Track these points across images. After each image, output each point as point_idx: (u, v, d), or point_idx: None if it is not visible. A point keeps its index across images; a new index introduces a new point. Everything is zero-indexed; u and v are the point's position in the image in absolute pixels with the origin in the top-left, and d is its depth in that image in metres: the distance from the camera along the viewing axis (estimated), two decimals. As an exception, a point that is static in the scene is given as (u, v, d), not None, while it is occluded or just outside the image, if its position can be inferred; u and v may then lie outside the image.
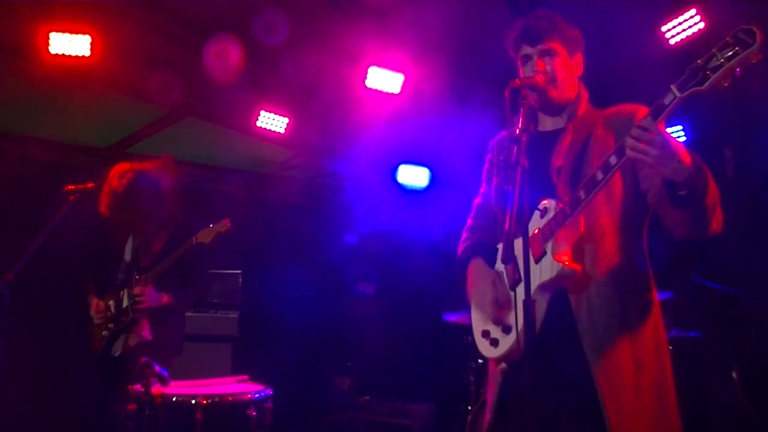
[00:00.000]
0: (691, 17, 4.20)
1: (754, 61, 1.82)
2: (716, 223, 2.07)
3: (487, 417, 2.36)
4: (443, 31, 4.41)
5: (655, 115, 1.96)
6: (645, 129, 1.93)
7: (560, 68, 2.35)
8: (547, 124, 2.47)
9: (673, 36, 4.29)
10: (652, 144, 1.92)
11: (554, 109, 2.42)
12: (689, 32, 4.23)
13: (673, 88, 1.92)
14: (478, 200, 2.73)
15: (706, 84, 1.86)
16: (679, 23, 4.25)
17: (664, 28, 4.30)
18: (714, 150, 5.19)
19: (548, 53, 2.35)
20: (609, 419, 2.08)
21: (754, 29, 1.80)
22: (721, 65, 1.84)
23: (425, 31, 4.48)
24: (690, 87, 1.89)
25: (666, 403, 2.21)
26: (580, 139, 2.32)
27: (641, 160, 1.97)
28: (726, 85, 1.85)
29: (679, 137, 5.10)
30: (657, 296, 2.31)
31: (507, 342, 2.27)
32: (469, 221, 2.72)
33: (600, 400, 2.10)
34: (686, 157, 1.94)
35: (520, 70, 2.43)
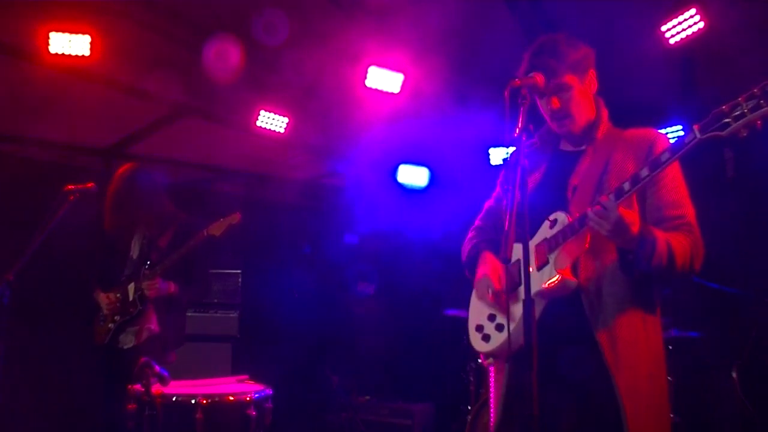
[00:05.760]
0: (691, 17, 4.21)
1: None
2: (680, 271, 2.19)
3: (493, 418, 2.39)
4: (443, 31, 4.41)
5: (673, 151, 2.04)
6: (605, 208, 2.08)
7: (575, 100, 2.38)
8: (569, 145, 2.52)
9: (672, 36, 4.30)
10: (607, 220, 2.08)
11: (576, 138, 2.47)
12: (689, 32, 4.23)
13: (695, 129, 2.00)
14: (489, 202, 2.76)
15: (727, 131, 1.95)
16: (679, 23, 4.25)
17: (663, 28, 4.30)
18: (714, 150, 5.18)
19: (561, 88, 2.36)
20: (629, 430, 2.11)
21: None
22: (743, 115, 1.91)
23: (425, 31, 4.48)
24: (711, 131, 1.97)
25: (664, 416, 2.27)
26: (600, 162, 2.35)
27: (598, 231, 2.12)
28: (745, 134, 1.94)
29: (678, 136, 5.10)
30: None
31: (498, 339, 2.34)
32: (477, 222, 2.75)
33: (622, 413, 2.12)
34: (635, 231, 2.10)
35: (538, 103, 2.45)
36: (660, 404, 2.24)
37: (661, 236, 2.15)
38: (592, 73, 2.44)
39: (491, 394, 2.47)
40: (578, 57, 2.38)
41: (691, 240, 2.24)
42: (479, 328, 2.45)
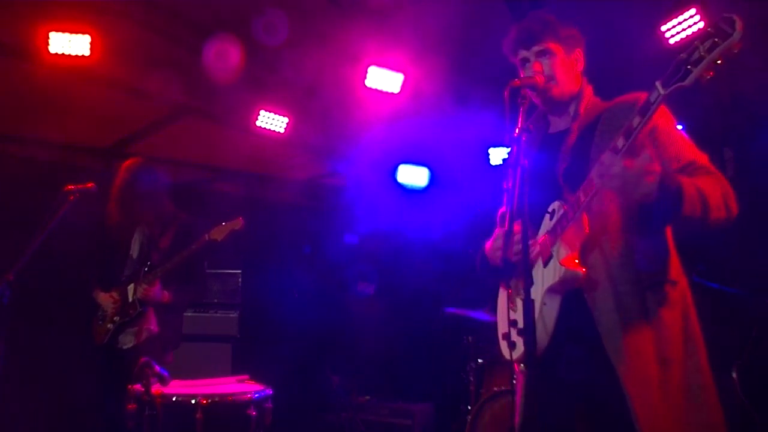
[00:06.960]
0: (691, 17, 4.21)
1: (735, 51, 1.78)
2: (717, 214, 2.06)
3: (517, 419, 2.37)
4: (443, 31, 4.42)
5: (642, 112, 1.96)
6: (606, 163, 1.98)
7: (558, 66, 2.36)
8: (556, 125, 2.48)
9: (673, 36, 4.30)
10: (614, 178, 1.98)
11: (559, 106, 2.42)
12: (689, 32, 4.23)
13: (658, 85, 1.92)
14: (502, 209, 2.72)
15: (689, 78, 1.85)
16: (679, 23, 4.25)
17: (663, 28, 4.31)
18: (714, 150, 5.18)
19: (544, 54, 2.36)
20: (638, 419, 2.04)
21: (734, 18, 1.77)
22: (701, 58, 1.81)
23: (425, 31, 4.48)
24: (673, 83, 1.88)
25: (703, 400, 2.15)
26: (586, 136, 2.31)
27: (608, 189, 2.03)
28: (709, 77, 1.83)
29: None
30: (687, 287, 2.26)
31: (522, 345, 2.26)
32: (497, 230, 2.72)
33: (627, 400, 2.05)
34: (650, 180, 1.96)
35: (521, 73, 2.42)
36: (682, 389, 2.11)
37: (686, 180, 2.02)
38: (579, 52, 2.42)
39: (517, 399, 2.43)
40: (565, 33, 2.38)
41: (714, 179, 2.11)
42: (505, 336, 2.38)
